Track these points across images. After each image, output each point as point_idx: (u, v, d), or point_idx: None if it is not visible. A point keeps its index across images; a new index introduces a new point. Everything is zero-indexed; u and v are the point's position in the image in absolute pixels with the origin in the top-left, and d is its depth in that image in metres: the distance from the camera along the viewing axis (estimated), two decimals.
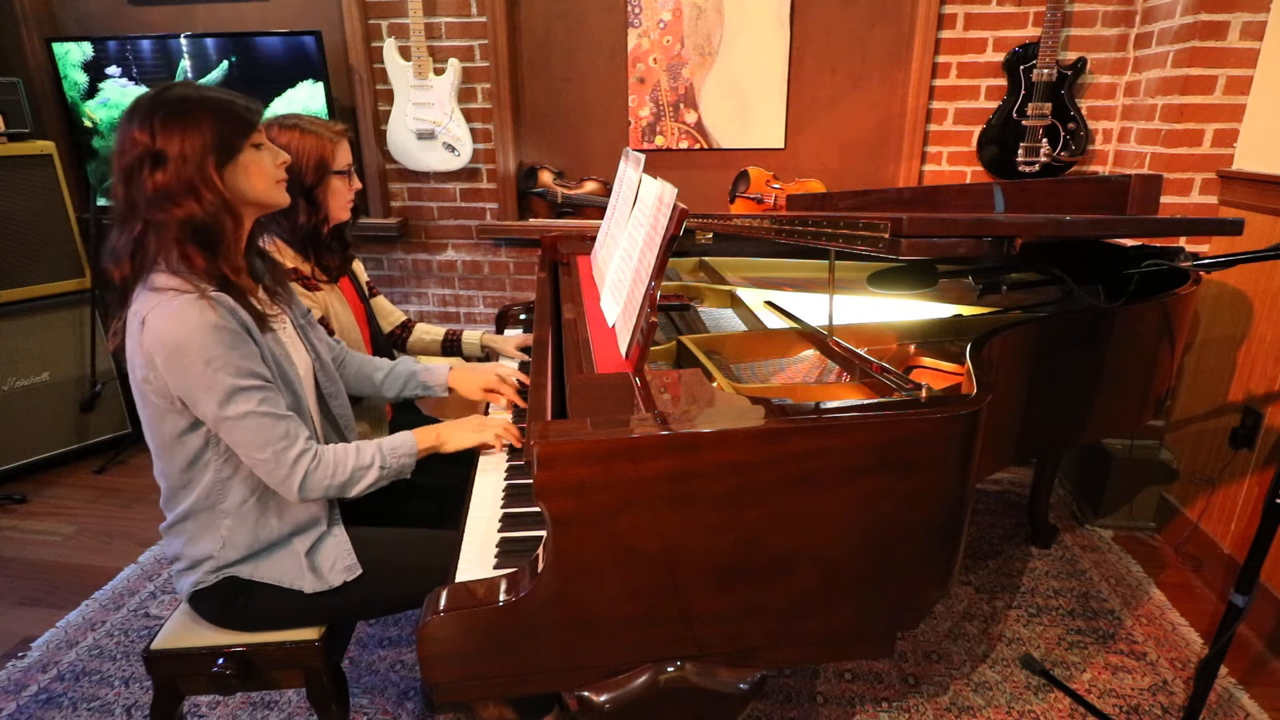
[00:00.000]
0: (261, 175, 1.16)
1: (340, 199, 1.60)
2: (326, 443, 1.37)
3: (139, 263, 1.10)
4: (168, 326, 1.05)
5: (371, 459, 1.22)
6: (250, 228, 1.21)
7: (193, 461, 1.16)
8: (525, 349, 1.87)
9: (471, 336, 1.95)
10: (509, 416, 1.52)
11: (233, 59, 2.70)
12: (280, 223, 1.56)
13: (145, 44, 2.72)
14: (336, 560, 1.24)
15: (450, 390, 1.58)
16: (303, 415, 1.22)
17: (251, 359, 1.11)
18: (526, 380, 1.55)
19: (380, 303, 1.92)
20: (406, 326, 1.96)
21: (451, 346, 1.95)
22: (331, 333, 1.58)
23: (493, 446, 1.37)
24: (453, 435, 1.33)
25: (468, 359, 1.97)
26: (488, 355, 1.95)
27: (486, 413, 1.62)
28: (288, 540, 1.24)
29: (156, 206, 1.08)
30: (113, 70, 2.75)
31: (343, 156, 1.58)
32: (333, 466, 1.18)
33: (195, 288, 1.08)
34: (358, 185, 1.64)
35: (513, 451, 1.38)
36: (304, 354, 1.32)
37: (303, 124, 1.53)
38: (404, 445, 1.26)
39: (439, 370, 1.58)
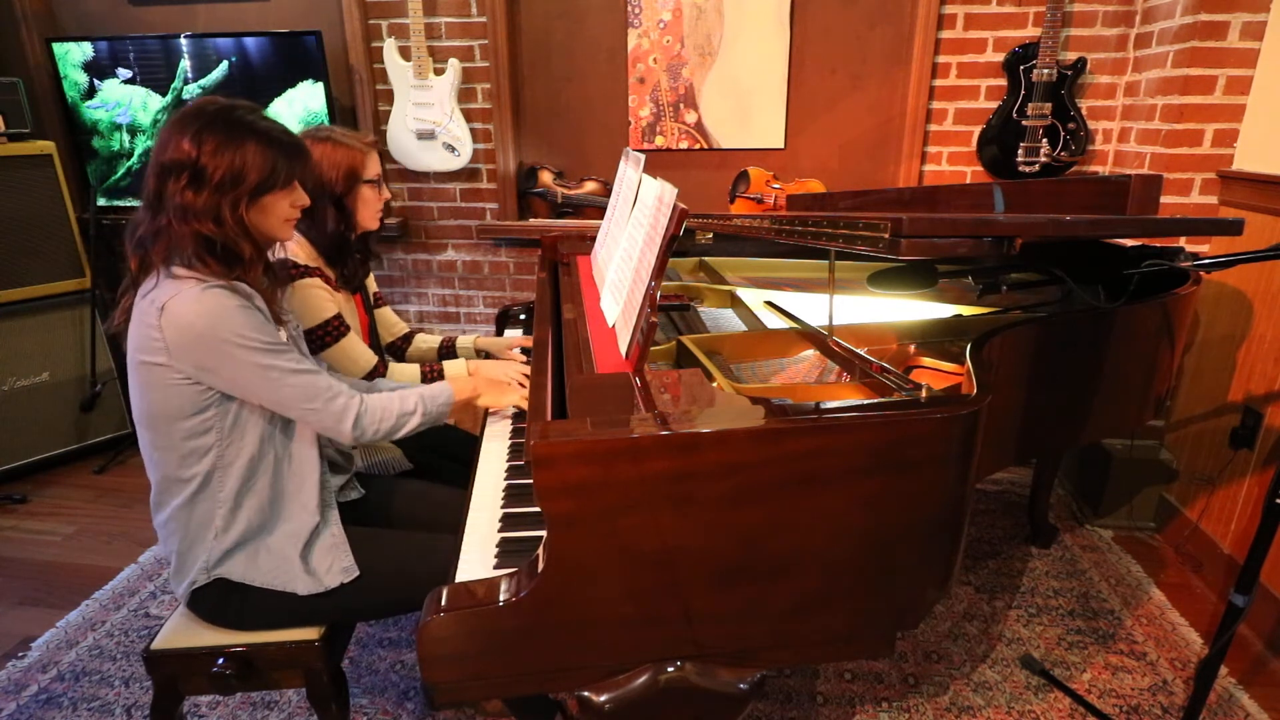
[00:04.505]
0: (277, 215, 1.21)
1: (370, 208, 1.63)
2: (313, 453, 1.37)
3: (160, 251, 1.13)
4: (195, 311, 1.09)
5: (415, 405, 1.31)
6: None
7: (192, 448, 1.16)
8: (525, 350, 1.87)
9: (465, 341, 1.95)
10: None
11: (233, 59, 2.70)
12: (309, 230, 1.58)
13: (145, 44, 2.72)
14: (333, 562, 1.24)
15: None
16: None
17: (275, 334, 1.17)
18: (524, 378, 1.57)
19: (385, 314, 1.92)
20: (408, 338, 1.95)
21: (447, 353, 1.95)
22: (345, 332, 1.58)
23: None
24: (487, 392, 1.49)
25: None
26: (482, 357, 1.94)
27: (484, 420, 1.59)
28: (280, 541, 1.23)
29: (179, 217, 1.11)
30: (112, 70, 2.75)
31: (373, 166, 1.62)
32: (380, 412, 1.26)
33: (214, 281, 1.12)
34: (387, 195, 1.67)
35: (514, 452, 1.38)
36: None
37: (335, 136, 1.57)
38: (443, 394, 1.36)
39: (457, 366, 1.68)
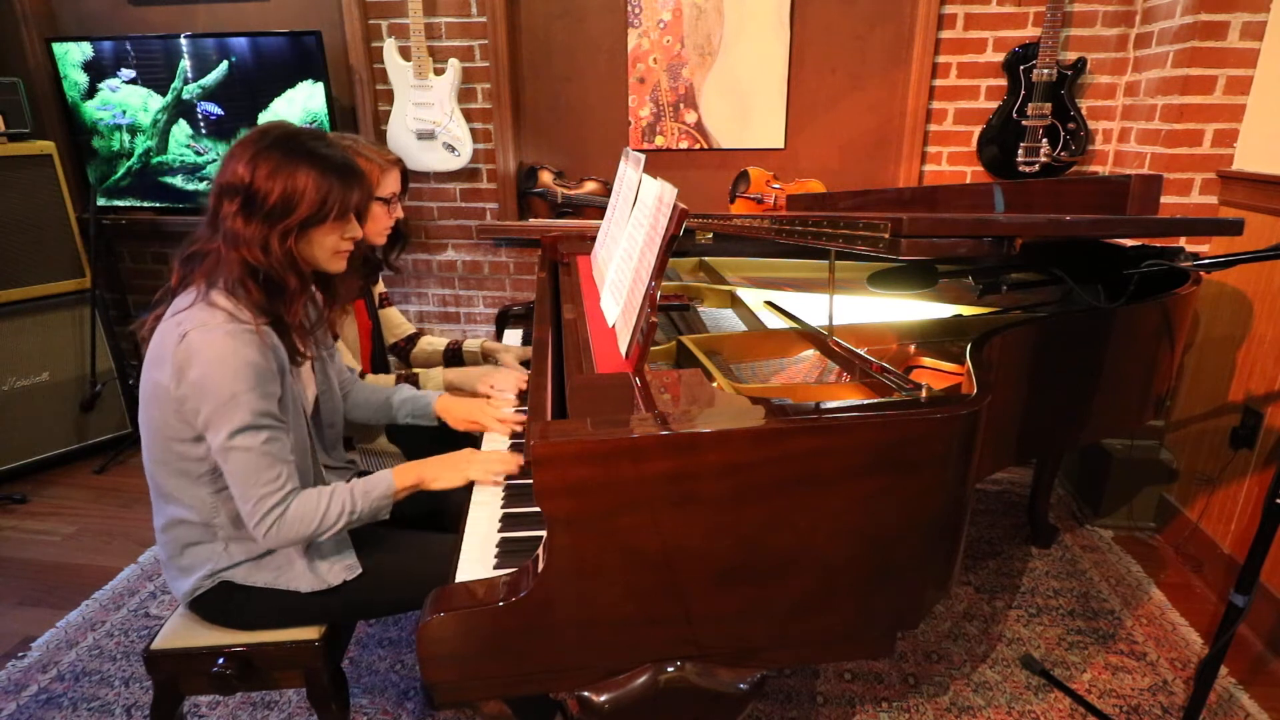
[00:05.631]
0: (326, 248, 1.18)
1: (377, 224, 1.62)
2: (311, 462, 1.35)
3: (205, 271, 1.12)
4: (209, 350, 1.06)
5: (341, 508, 1.17)
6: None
7: (189, 470, 1.16)
8: (526, 362, 1.84)
9: (472, 344, 1.93)
10: (506, 444, 1.42)
11: (233, 59, 2.70)
12: None
13: (145, 44, 2.72)
14: (336, 559, 1.24)
15: (439, 421, 1.53)
16: (301, 444, 1.24)
17: (271, 400, 1.12)
18: (519, 421, 1.45)
19: (390, 314, 1.91)
20: (412, 339, 1.94)
21: (453, 356, 1.93)
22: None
23: (485, 483, 1.28)
24: (438, 474, 1.27)
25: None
26: (490, 362, 1.93)
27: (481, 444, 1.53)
28: (284, 551, 1.23)
29: (229, 242, 1.11)
30: (113, 70, 2.75)
31: (389, 184, 1.61)
32: (299, 519, 1.14)
33: (246, 318, 1.10)
34: (399, 214, 1.66)
35: (514, 452, 1.37)
36: (312, 386, 1.34)
37: (357, 148, 1.55)
38: (379, 487, 1.22)
39: (425, 399, 1.54)
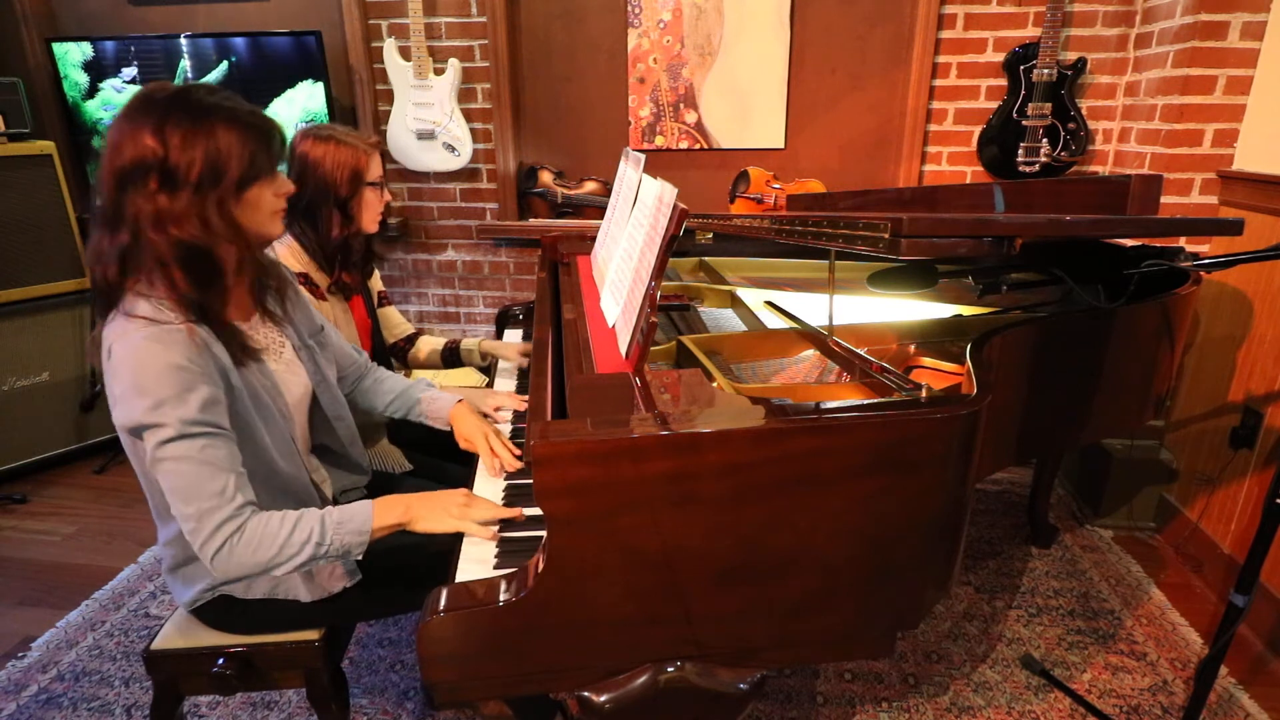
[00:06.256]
0: (264, 208, 1.07)
1: (372, 211, 1.60)
2: (324, 461, 1.32)
3: (124, 272, 1.01)
4: (129, 359, 0.97)
5: (308, 536, 1.04)
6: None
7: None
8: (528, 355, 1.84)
9: (470, 344, 1.90)
10: (500, 485, 1.31)
11: (233, 59, 2.70)
12: (310, 235, 1.55)
13: (145, 44, 2.72)
14: (336, 566, 1.23)
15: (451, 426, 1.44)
16: (286, 446, 1.17)
17: (209, 405, 1.00)
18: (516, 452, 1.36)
19: (389, 313, 1.89)
20: (411, 339, 1.92)
21: (451, 356, 1.90)
22: None
23: (475, 535, 1.13)
24: (425, 515, 1.12)
25: (467, 366, 1.95)
26: (488, 362, 1.92)
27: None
28: None
29: (154, 225, 0.98)
30: (113, 70, 2.75)
31: (375, 168, 1.58)
32: (257, 541, 1.01)
33: (169, 318, 1.00)
34: (388, 197, 1.64)
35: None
36: (302, 377, 1.26)
37: (337, 135, 1.52)
38: (355, 520, 1.08)
39: (441, 404, 1.46)
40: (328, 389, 1.31)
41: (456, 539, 1.13)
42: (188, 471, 0.99)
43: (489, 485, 1.31)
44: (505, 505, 1.22)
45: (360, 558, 1.12)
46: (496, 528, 1.14)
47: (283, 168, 1.13)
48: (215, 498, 1.00)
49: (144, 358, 0.97)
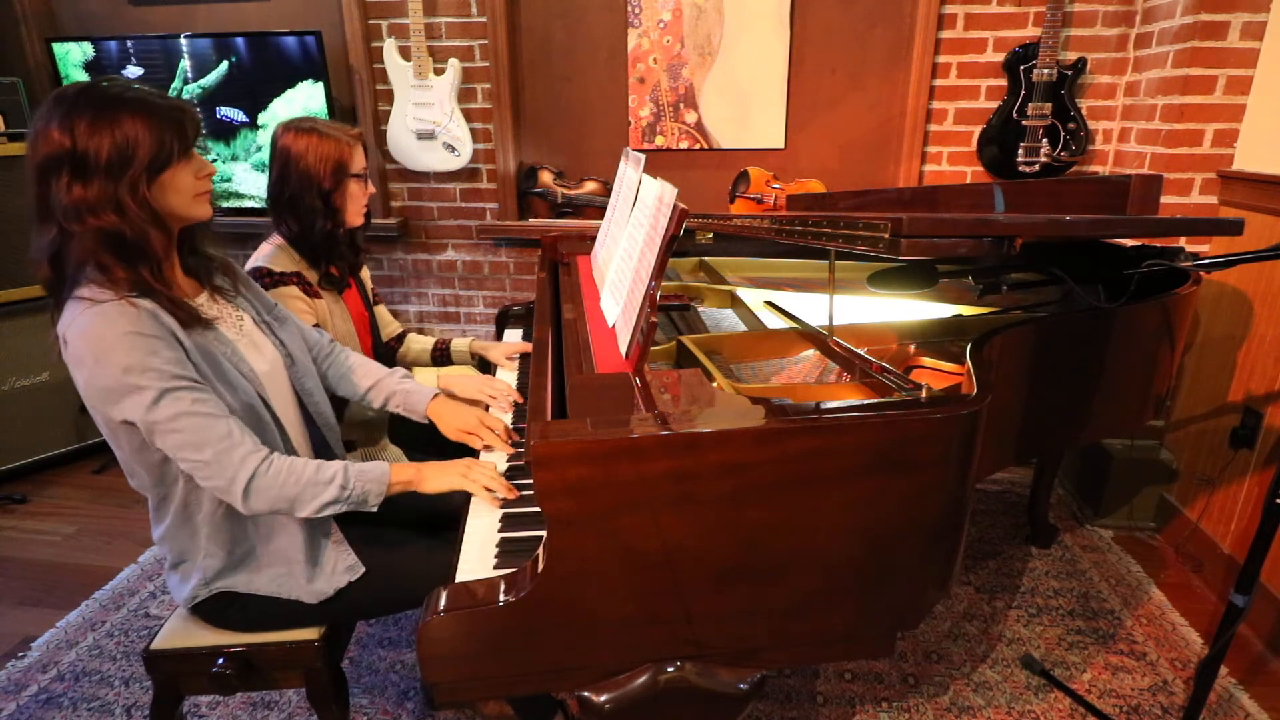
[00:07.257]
0: (184, 190, 1.07)
1: (356, 203, 1.58)
2: (299, 442, 1.31)
3: (59, 268, 1.04)
4: (84, 340, 0.99)
5: (332, 477, 1.11)
6: (179, 232, 1.13)
7: (160, 476, 1.13)
8: (524, 356, 1.82)
9: (460, 344, 1.88)
10: (504, 458, 1.35)
11: (232, 59, 2.70)
12: (294, 228, 1.54)
13: (145, 44, 2.72)
14: (337, 563, 1.24)
15: (430, 421, 1.43)
16: (258, 415, 1.16)
17: (177, 363, 1.03)
18: (513, 434, 1.39)
19: (379, 312, 1.88)
20: (400, 339, 1.91)
21: (441, 356, 1.88)
22: None
23: (478, 495, 1.20)
24: (434, 476, 1.21)
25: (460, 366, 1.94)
26: (480, 362, 1.92)
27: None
28: (278, 553, 1.21)
29: (73, 217, 1.00)
30: (113, 70, 2.74)
31: (358, 160, 1.56)
32: (285, 474, 1.06)
33: (112, 294, 1.01)
34: (371, 189, 1.62)
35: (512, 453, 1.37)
36: (269, 350, 1.25)
37: (319, 127, 1.51)
38: (373, 471, 1.16)
39: (417, 397, 1.44)
40: (296, 363, 1.30)
41: (456, 544, 1.13)
42: (187, 425, 1.01)
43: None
44: (505, 505, 1.22)
45: (375, 509, 1.17)
46: (497, 497, 1.19)
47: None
48: (225, 439, 1.04)
49: (98, 332, 0.99)
